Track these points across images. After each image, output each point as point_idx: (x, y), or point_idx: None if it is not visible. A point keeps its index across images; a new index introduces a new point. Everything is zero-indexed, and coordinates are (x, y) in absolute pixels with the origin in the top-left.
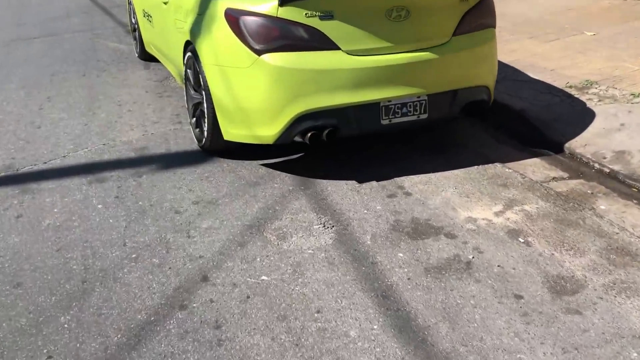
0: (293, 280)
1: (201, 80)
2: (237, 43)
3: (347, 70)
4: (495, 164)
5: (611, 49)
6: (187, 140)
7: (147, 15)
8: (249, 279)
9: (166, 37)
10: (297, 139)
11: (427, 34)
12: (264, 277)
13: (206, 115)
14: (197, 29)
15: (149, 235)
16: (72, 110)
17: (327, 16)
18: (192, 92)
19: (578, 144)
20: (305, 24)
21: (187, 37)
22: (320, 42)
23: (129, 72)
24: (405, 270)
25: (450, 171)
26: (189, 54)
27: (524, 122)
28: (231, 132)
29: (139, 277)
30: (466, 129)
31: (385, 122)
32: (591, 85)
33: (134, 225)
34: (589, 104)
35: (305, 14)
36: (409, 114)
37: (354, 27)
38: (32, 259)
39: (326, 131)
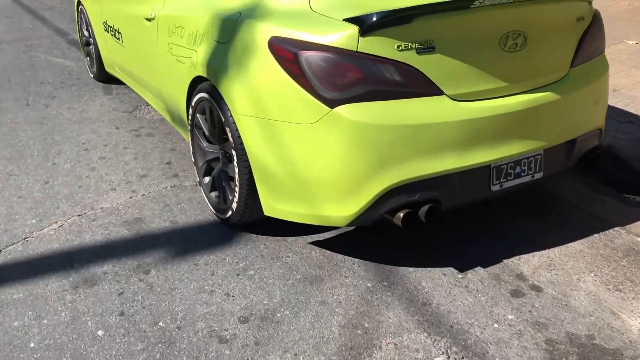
0: None
1: (229, 134)
2: (294, 89)
3: (455, 124)
4: (616, 228)
5: None
6: (194, 204)
7: (113, 30)
8: None
9: (149, 63)
10: (382, 217)
11: (544, 68)
12: None
13: (238, 182)
14: (219, 62)
15: None
16: (23, 160)
17: (426, 48)
18: (205, 144)
19: None
20: (397, 61)
21: (199, 72)
22: (418, 85)
23: (87, 100)
24: None
25: (568, 245)
26: (202, 94)
27: (616, 162)
28: (278, 207)
29: None
30: None
31: (495, 187)
32: None
33: None
34: None
35: (398, 47)
36: (522, 174)
37: (460, 62)
38: None
39: (426, 208)
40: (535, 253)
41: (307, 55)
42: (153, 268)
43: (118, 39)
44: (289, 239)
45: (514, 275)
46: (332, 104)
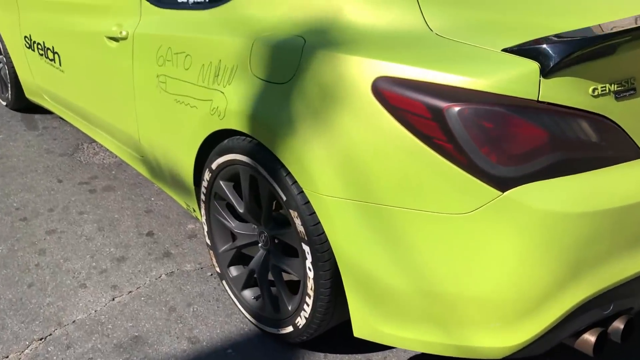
0: None
1: (296, 220)
2: (430, 161)
3: None
4: None
5: None
6: (211, 303)
7: (43, 49)
8: None
9: (114, 99)
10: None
11: None
12: None
13: (311, 289)
14: (274, 113)
15: None
16: None
17: (626, 91)
18: (234, 223)
19: None
20: (593, 113)
21: (231, 125)
22: (617, 146)
23: (4, 139)
24: None
25: None
26: (235, 156)
27: None
28: (383, 331)
29: None
30: None
31: None
32: None
33: None
34: None
35: (593, 91)
36: None
37: None
38: None
39: (622, 323)
40: None
41: (459, 110)
42: None
43: (52, 60)
44: (373, 357)
45: None
46: (503, 184)
